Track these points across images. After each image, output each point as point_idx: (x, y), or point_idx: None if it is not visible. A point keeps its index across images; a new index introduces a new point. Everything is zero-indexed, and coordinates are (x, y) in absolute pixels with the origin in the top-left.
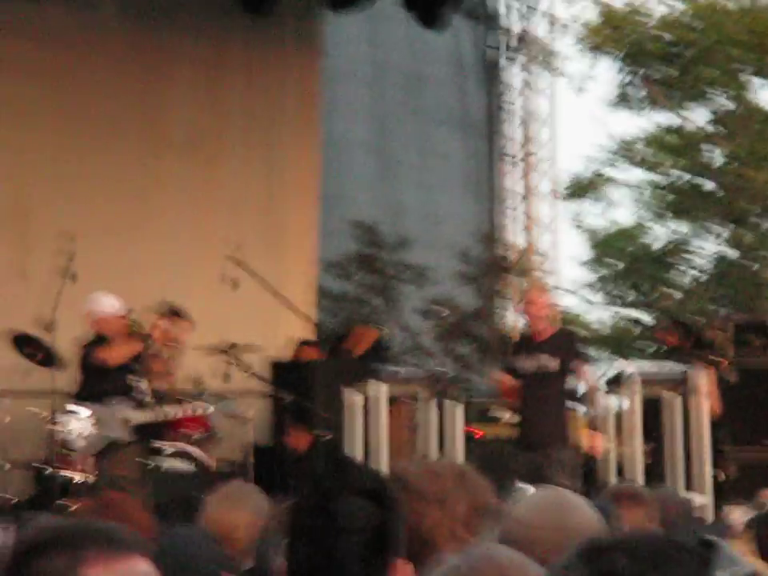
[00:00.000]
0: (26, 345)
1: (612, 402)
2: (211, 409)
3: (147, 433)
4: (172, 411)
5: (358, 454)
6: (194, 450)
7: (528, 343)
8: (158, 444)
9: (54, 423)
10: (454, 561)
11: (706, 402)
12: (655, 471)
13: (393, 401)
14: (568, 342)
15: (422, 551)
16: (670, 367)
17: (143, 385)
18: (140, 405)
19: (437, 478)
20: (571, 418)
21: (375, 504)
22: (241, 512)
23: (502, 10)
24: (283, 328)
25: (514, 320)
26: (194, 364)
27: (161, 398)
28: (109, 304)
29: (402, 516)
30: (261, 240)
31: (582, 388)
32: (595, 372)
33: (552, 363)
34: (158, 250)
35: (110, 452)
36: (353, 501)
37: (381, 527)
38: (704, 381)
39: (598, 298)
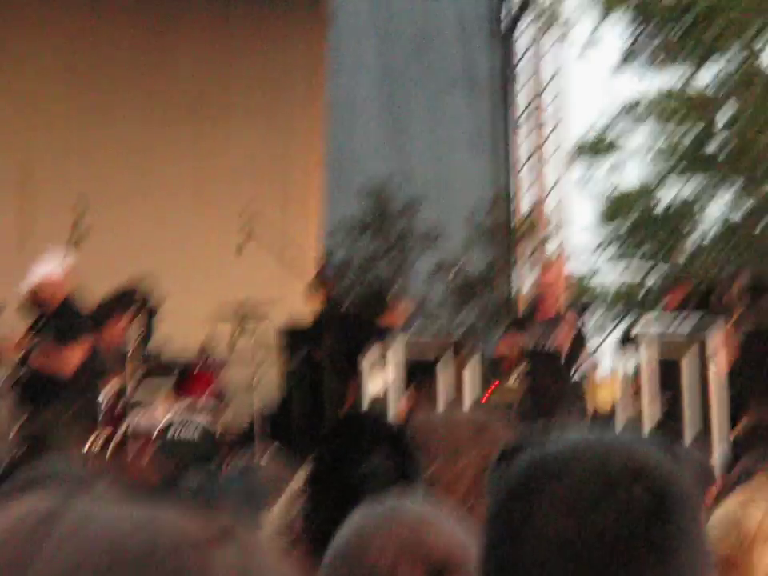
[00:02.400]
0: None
1: (626, 360)
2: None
3: None
4: None
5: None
6: (203, 419)
7: (533, 317)
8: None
9: None
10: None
11: (721, 357)
12: (670, 427)
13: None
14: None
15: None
16: (683, 323)
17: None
18: None
19: (453, 429)
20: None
21: (394, 459)
22: None
23: None
24: (290, 294)
25: (522, 284)
26: (203, 330)
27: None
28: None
29: (419, 471)
30: (266, 203)
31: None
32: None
33: (554, 341)
34: (165, 212)
35: None
36: (370, 459)
37: (400, 484)
38: (719, 335)
39: (604, 259)
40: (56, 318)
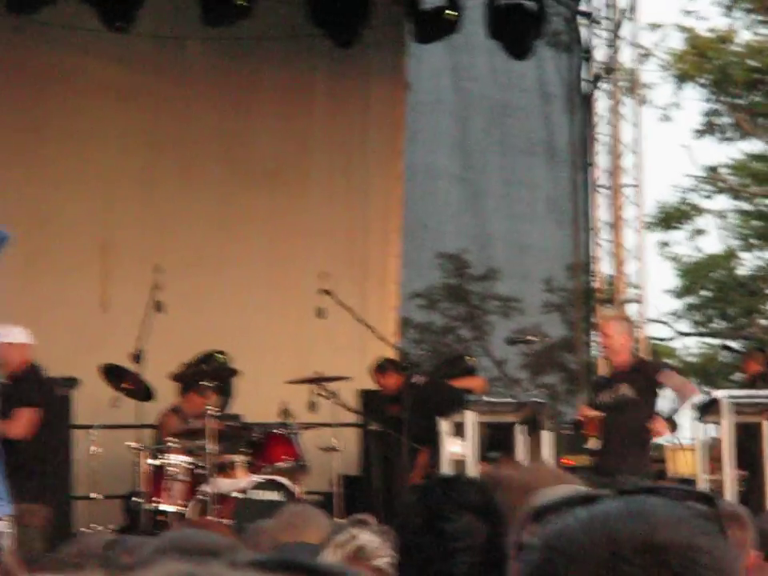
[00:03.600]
0: (116, 377)
1: (703, 430)
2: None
3: None
4: None
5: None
6: (283, 480)
7: (609, 376)
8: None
9: (156, 456)
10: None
11: None
12: (749, 499)
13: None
14: (645, 371)
15: None
16: (762, 393)
17: None
18: None
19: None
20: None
21: (483, 519)
22: (308, 535)
23: (586, 38)
24: (369, 357)
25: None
26: (281, 394)
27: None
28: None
29: (508, 530)
30: (344, 269)
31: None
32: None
33: (629, 393)
34: (243, 280)
35: None
36: (460, 518)
37: (489, 544)
38: None
39: (685, 326)
40: (18, 383)
